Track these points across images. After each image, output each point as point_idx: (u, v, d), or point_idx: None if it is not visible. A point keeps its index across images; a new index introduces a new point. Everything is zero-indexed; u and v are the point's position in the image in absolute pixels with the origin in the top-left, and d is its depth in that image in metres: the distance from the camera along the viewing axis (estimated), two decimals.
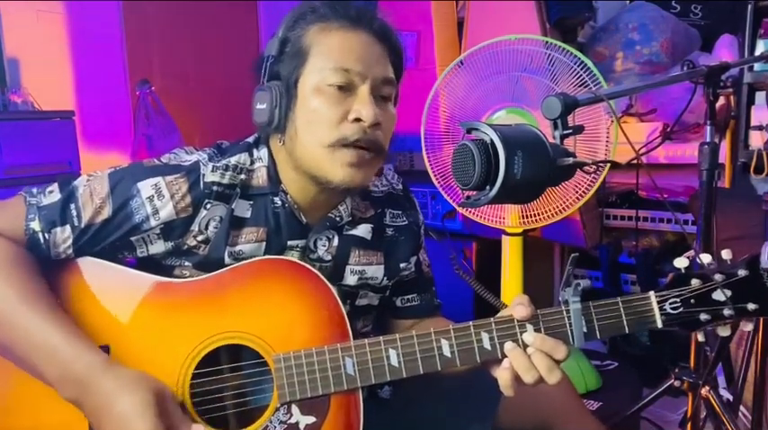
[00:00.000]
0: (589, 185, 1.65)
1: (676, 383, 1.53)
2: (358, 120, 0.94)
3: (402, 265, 1.13)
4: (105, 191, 0.94)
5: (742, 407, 1.75)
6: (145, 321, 0.93)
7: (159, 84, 2.79)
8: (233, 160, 0.99)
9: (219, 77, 3.04)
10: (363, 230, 1.08)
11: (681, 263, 0.89)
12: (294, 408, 0.90)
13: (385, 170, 1.17)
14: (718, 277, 0.87)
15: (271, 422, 0.90)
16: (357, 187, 0.99)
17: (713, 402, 1.48)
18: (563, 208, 1.69)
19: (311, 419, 0.90)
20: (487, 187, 0.91)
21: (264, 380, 0.93)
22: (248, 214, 1.00)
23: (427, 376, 1.07)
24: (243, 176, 0.99)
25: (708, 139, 1.36)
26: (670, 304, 0.88)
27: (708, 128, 1.36)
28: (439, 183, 1.81)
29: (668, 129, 1.95)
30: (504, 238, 1.83)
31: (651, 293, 0.89)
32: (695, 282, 0.88)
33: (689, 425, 1.50)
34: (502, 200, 0.93)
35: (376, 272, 1.10)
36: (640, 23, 2.45)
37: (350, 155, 0.94)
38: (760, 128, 1.74)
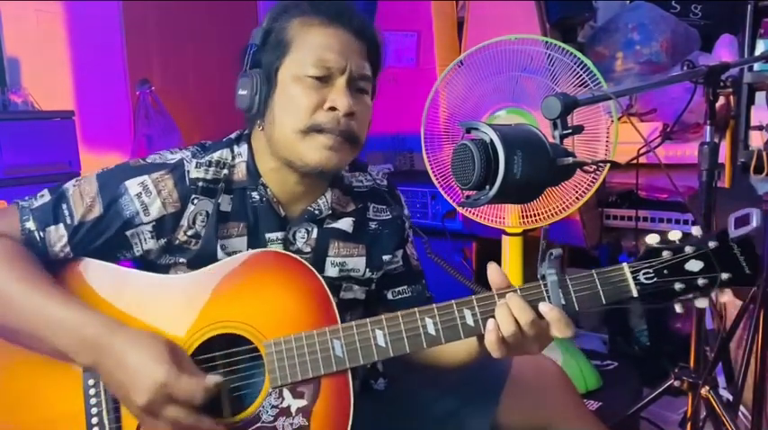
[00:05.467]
0: (589, 185, 1.65)
1: (676, 383, 1.53)
2: (333, 109, 0.97)
3: (385, 258, 1.14)
4: (94, 190, 0.98)
5: (742, 407, 1.75)
6: (139, 315, 0.96)
7: (159, 84, 2.79)
8: (215, 156, 1.03)
9: (219, 77, 3.04)
10: (344, 224, 1.10)
11: (652, 239, 0.91)
12: (286, 392, 0.93)
13: (369, 168, 1.19)
14: (688, 249, 0.89)
15: (263, 407, 0.92)
16: (331, 170, 1.01)
17: (713, 402, 1.48)
18: (563, 208, 1.69)
19: (302, 402, 0.92)
20: (487, 187, 0.91)
21: (257, 366, 0.95)
22: (230, 208, 1.03)
23: (421, 363, 1.10)
24: (225, 171, 1.03)
25: (708, 139, 1.36)
26: (644, 275, 0.89)
27: (708, 128, 1.36)
28: (439, 183, 1.81)
29: (668, 129, 1.95)
30: (504, 238, 1.83)
31: (624, 264, 0.91)
32: (666, 254, 0.89)
33: (689, 425, 1.50)
34: (502, 199, 0.93)
35: (357, 263, 1.10)
36: (640, 23, 2.45)
37: (324, 138, 0.98)
38: (760, 128, 1.74)
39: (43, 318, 0.89)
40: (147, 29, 2.85)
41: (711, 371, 1.56)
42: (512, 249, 1.82)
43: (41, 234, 0.96)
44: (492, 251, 2.12)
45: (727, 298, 0.92)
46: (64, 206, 0.97)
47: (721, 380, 1.92)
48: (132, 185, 0.98)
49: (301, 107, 0.97)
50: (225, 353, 0.96)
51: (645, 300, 0.90)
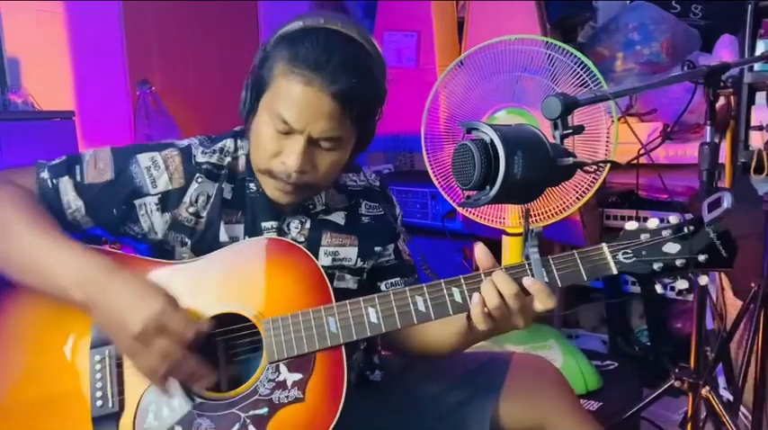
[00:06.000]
0: (589, 185, 1.65)
1: (676, 383, 1.53)
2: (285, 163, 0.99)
3: (377, 249, 1.16)
4: (108, 159, 1.05)
5: (742, 407, 1.76)
6: None
7: (159, 84, 2.79)
8: (219, 144, 1.09)
9: (219, 77, 3.04)
10: (337, 217, 1.13)
11: (631, 225, 0.95)
12: (282, 367, 0.96)
13: (363, 169, 1.21)
14: (665, 233, 0.93)
15: (260, 381, 0.95)
16: (290, 205, 1.06)
17: (713, 402, 1.48)
18: (563, 208, 1.69)
19: (298, 376, 0.95)
20: (487, 187, 0.91)
21: (255, 343, 0.99)
22: (230, 196, 1.08)
23: (420, 358, 1.14)
24: (229, 159, 1.09)
25: (708, 139, 1.36)
26: (623, 255, 0.93)
27: (708, 128, 1.36)
28: (439, 183, 1.81)
29: (668, 130, 1.95)
30: (504, 238, 1.83)
31: (603, 245, 0.94)
32: (644, 237, 0.93)
33: (689, 426, 1.50)
34: (502, 200, 0.93)
35: (349, 253, 1.13)
36: (640, 23, 2.45)
37: (276, 182, 1.02)
38: (760, 128, 1.73)
39: (46, 254, 0.93)
40: (147, 29, 2.85)
41: (711, 372, 1.56)
42: (512, 249, 1.82)
43: (54, 181, 1.02)
44: (492, 251, 2.12)
45: (705, 280, 0.95)
46: (77, 166, 1.04)
47: (721, 381, 1.92)
48: (143, 158, 1.05)
49: (261, 150, 1.01)
50: (224, 330, 0.99)
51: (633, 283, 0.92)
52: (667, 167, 2.18)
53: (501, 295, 0.91)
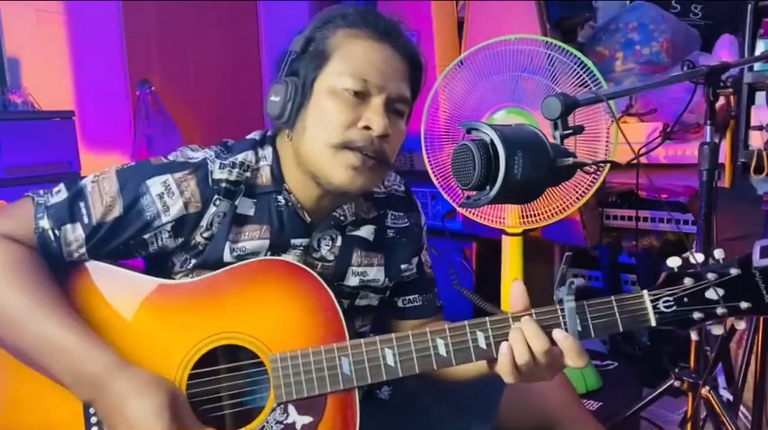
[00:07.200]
0: (589, 185, 1.65)
1: (676, 383, 1.53)
2: (367, 128, 0.95)
3: (403, 267, 1.13)
4: (115, 189, 0.93)
5: (742, 407, 1.75)
6: (142, 322, 0.93)
7: (159, 84, 2.79)
8: (239, 158, 0.99)
9: (219, 77, 3.04)
10: (366, 231, 1.08)
11: (674, 262, 0.89)
12: (291, 408, 0.90)
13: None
14: (710, 276, 0.87)
15: (267, 422, 0.90)
16: (357, 191, 0.99)
17: (713, 402, 1.48)
18: (563, 208, 1.69)
19: (308, 419, 0.90)
20: (487, 187, 0.90)
21: (261, 381, 0.93)
22: (251, 212, 1.00)
23: (427, 376, 1.07)
24: (248, 174, 0.99)
25: (708, 139, 1.36)
26: (663, 303, 0.88)
27: (708, 128, 1.36)
28: (439, 183, 1.81)
29: (668, 130, 1.95)
30: (504, 238, 1.82)
31: (644, 292, 0.89)
32: (688, 281, 0.88)
33: (689, 425, 1.50)
34: (502, 200, 0.93)
35: (377, 274, 1.09)
36: (640, 23, 2.45)
37: (353, 157, 0.94)
38: (760, 128, 1.73)
39: (49, 346, 0.85)
40: (147, 29, 2.85)
41: (711, 371, 1.56)
42: (512, 249, 1.82)
43: (56, 233, 0.91)
44: (492, 251, 2.12)
45: (742, 325, 0.91)
46: (81, 204, 0.93)
47: (721, 380, 1.92)
48: (154, 185, 0.94)
49: (335, 122, 0.94)
50: (229, 366, 0.94)
51: (661, 327, 0.88)
52: (667, 167, 2.18)
53: (531, 351, 0.86)
